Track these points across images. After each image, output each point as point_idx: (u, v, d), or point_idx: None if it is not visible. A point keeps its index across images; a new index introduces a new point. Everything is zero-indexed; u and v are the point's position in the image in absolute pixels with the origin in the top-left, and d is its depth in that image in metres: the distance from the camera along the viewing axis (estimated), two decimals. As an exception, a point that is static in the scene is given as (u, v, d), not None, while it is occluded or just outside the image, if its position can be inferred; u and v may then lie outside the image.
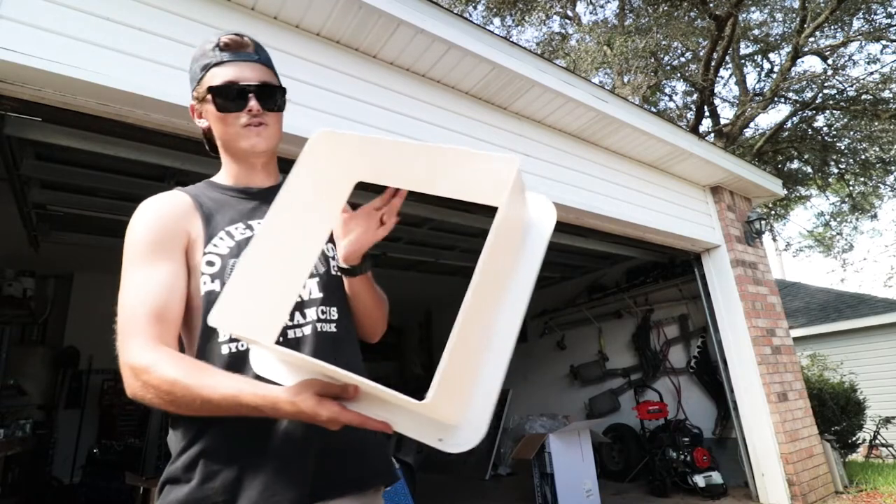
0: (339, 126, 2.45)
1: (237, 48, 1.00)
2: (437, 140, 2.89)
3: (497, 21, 10.66)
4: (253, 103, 0.97)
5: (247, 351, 0.86)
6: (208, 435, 0.83)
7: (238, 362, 0.86)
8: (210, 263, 0.90)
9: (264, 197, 1.02)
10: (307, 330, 0.93)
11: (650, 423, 5.22)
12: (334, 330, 0.96)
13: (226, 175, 1.05)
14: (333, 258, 1.02)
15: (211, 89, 0.97)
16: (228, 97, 0.97)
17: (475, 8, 10.46)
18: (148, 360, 0.77)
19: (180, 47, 2.07)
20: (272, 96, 1.00)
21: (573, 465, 4.19)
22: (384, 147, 0.86)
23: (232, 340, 0.88)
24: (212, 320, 0.72)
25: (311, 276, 0.97)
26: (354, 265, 0.98)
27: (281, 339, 0.89)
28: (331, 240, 1.04)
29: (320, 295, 0.97)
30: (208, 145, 1.12)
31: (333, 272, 1.01)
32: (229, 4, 2.27)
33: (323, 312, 0.96)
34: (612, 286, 6.43)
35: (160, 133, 2.16)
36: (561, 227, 3.93)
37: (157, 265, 0.88)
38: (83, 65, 1.83)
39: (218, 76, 0.98)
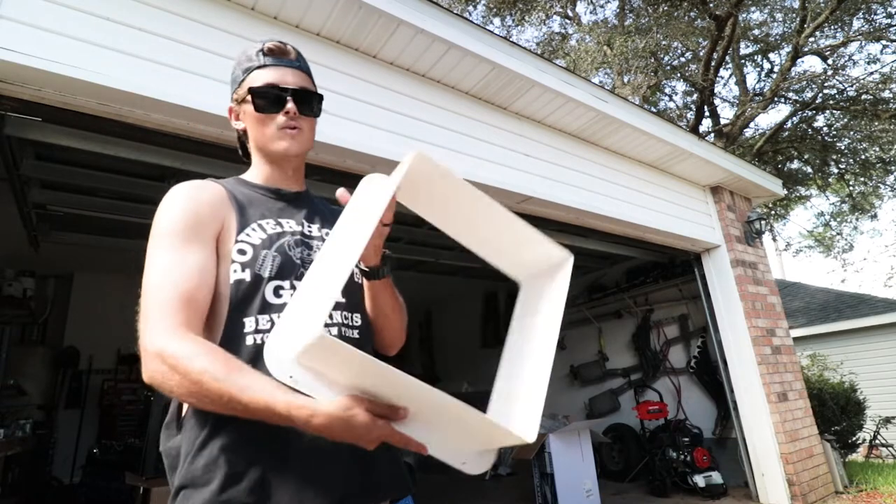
0: (338, 126, 2.46)
1: (280, 54, 1.03)
2: (437, 139, 2.90)
3: (497, 21, 10.66)
4: (290, 105, 0.99)
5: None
6: (226, 433, 0.80)
7: (261, 354, 0.83)
8: (242, 252, 0.90)
9: (292, 200, 1.05)
10: (334, 331, 0.92)
11: (650, 423, 5.21)
12: (357, 336, 0.96)
13: (256, 175, 1.06)
14: (356, 264, 1.02)
15: (252, 90, 0.99)
16: (268, 98, 0.99)
17: (475, 8, 10.46)
18: (178, 348, 0.75)
19: (180, 47, 2.07)
20: (309, 102, 1.03)
21: (573, 465, 4.19)
22: (454, 188, 0.90)
23: (258, 331, 0.86)
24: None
25: None
26: (374, 266, 0.98)
27: None
28: None
29: (343, 300, 0.97)
30: (241, 150, 1.14)
31: (356, 279, 1.01)
32: (229, 4, 2.27)
33: (346, 318, 0.96)
34: (612, 286, 6.43)
35: (160, 133, 2.16)
36: (561, 227, 3.93)
37: (190, 249, 0.86)
38: (83, 65, 1.83)
39: (259, 78, 1.00)
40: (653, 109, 10.99)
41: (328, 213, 1.09)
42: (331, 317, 0.93)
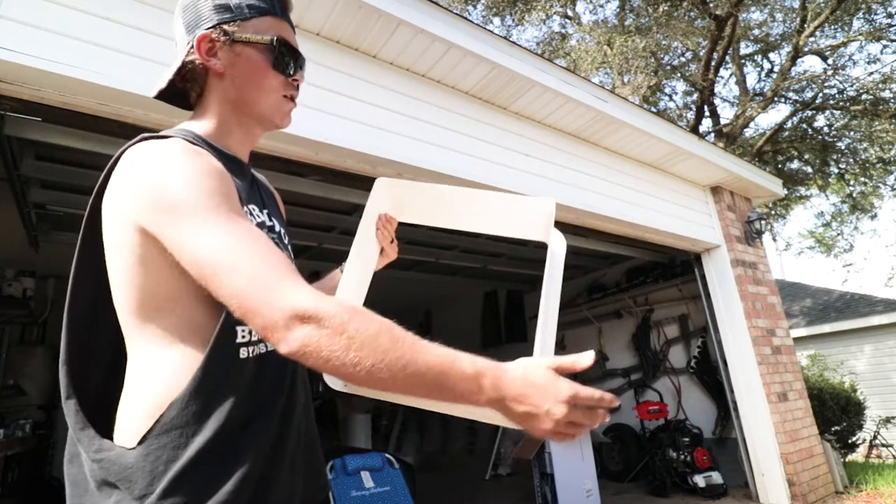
0: (338, 125, 2.45)
1: (290, 9, 0.92)
2: (437, 139, 2.90)
3: (497, 21, 10.67)
4: (302, 74, 0.90)
5: (264, 354, 0.76)
6: (221, 440, 0.70)
7: (258, 372, 0.75)
8: None
9: (249, 177, 0.93)
10: None
11: (650, 423, 5.21)
12: None
13: (221, 136, 0.86)
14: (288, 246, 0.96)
15: (280, 40, 0.84)
16: (290, 59, 0.86)
17: (475, 7, 10.46)
18: (338, 309, 0.62)
19: (180, 47, 2.07)
20: None
21: (573, 465, 4.19)
22: (431, 192, 1.03)
23: (249, 344, 0.75)
24: None
25: None
26: None
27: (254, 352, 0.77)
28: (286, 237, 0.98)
29: None
30: (181, 92, 0.88)
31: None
32: (229, 4, 2.26)
33: None
34: (612, 286, 6.43)
35: (160, 133, 2.15)
36: (561, 227, 3.90)
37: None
38: (83, 65, 1.82)
39: (276, 29, 0.86)
40: (653, 109, 10.99)
41: (268, 195, 1.00)
42: None
